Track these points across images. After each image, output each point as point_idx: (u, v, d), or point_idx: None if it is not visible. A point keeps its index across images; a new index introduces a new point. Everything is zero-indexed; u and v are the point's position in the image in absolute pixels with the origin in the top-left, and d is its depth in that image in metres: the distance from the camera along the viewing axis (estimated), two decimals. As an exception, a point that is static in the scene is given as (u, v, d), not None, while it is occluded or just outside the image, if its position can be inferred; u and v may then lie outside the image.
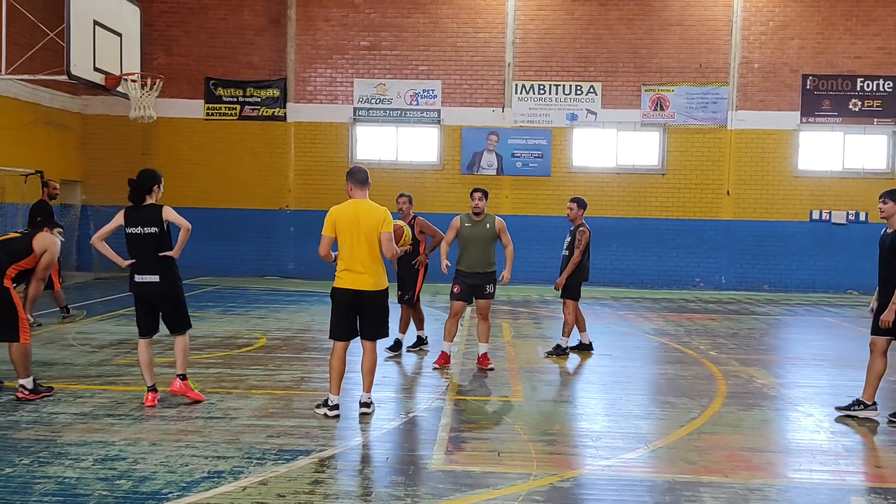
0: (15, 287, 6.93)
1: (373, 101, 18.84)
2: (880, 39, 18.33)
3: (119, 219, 6.73)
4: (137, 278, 6.74)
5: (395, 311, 7.36)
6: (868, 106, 18.40)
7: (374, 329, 6.64)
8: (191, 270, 6.86)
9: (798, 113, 18.52)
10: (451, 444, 5.92)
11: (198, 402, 6.92)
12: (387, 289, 6.66)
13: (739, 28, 18.40)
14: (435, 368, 8.54)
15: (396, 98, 18.79)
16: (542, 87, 18.64)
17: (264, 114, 18.95)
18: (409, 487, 4.98)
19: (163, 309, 6.87)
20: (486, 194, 8.66)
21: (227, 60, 19.03)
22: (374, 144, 19.08)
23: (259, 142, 19.00)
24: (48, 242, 7.13)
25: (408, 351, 9.63)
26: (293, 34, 18.83)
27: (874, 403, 6.93)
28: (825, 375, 9.01)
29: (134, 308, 6.99)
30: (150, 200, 6.78)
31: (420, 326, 9.76)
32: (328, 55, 18.89)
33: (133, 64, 13.55)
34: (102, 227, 6.74)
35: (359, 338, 6.67)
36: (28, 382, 6.85)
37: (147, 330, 6.85)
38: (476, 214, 8.61)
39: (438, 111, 18.79)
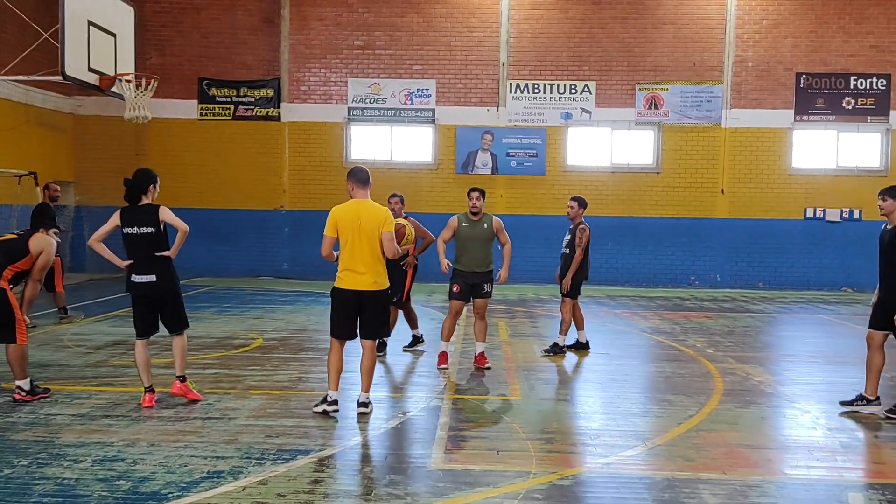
0: (12, 288, 6.91)
1: (367, 100, 18.83)
2: (873, 37, 18.40)
3: (115, 219, 6.70)
4: (135, 278, 6.72)
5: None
6: (861, 104, 18.47)
7: (374, 329, 6.65)
8: (185, 271, 6.87)
9: (792, 111, 18.58)
10: (449, 442, 5.93)
11: (195, 401, 6.92)
12: (388, 289, 6.67)
13: (733, 26, 18.45)
14: (442, 369, 8.51)
15: (391, 97, 18.79)
16: (536, 86, 18.66)
17: (258, 114, 18.92)
18: (409, 486, 4.99)
19: (161, 309, 6.85)
20: (483, 194, 8.66)
21: (221, 60, 18.99)
22: (369, 144, 19.06)
23: (253, 142, 18.97)
24: (44, 243, 7.11)
25: (405, 351, 9.62)
26: (287, 34, 18.80)
27: (877, 398, 6.98)
28: (821, 372, 9.05)
29: (131, 309, 6.98)
30: (146, 200, 6.77)
31: (414, 326, 9.76)
32: (322, 55, 18.87)
33: (127, 64, 13.51)
34: (99, 229, 6.71)
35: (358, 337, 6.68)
36: (25, 384, 6.83)
37: (144, 331, 6.83)
38: (474, 214, 8.61)
39: (433, 111, 18.79)
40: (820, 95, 18.53)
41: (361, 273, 6.47)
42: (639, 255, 18.75)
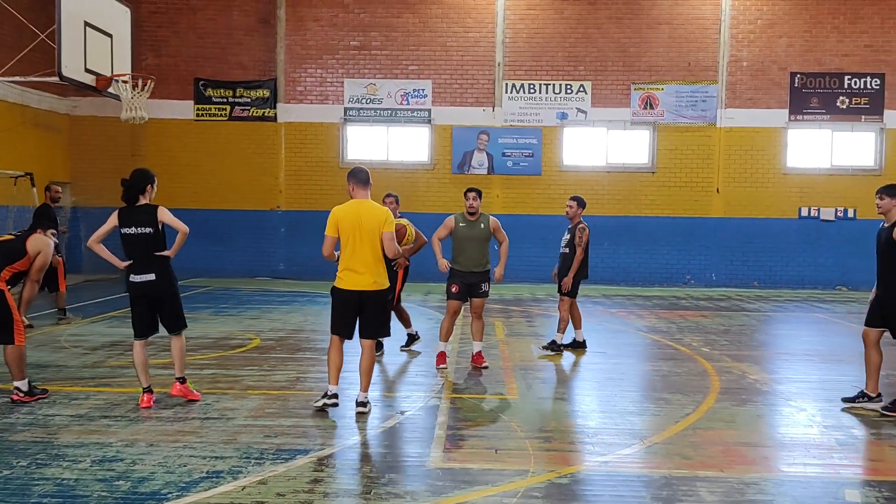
0: (10, 289, 6.91)
1: (363, 101, 18.84)
2: (867, 37, 18.48)
3: (113, 220, 6.70)
4: (133, 278, 6.72)
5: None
6: (856, 103, 18.55)
7: (374, 329, 6.69)
8: (181, 271, 6.87)
9: (786, 111, 18.65)
10: (448, 441, 5.95)
11: (194, 402, 6.93)
12: (387, 289, 6.71)
13: (728, 26, 18.51)
14: (440, 369, 8.53)
15: (387, 98, 18.81)
16: (532, 86, 18.69)
17: (254, 114, 18.93)
18: (408, 485, 5.01)
19: (160, 308, 6.86)
20: (480, 194, 8.68)
21: (217, 61, 18.99)
22: (365, 144, 19.09)
23: (249, 142, 18.97)
24: (41, 244, 7.11)
25: (402, 350, 9.64)
26: (283, 34, 18.81)
27: (879, 395, 7.04)
28: (816, 370, 9.09)
29: (127, 310, 6.98)
30: (143, 200, 6.77)
31: (407, 325, 9.76)
32: (318, 55, 18.88)
33: (124, 65, 13.49)
34: (98, 229, 6.71)
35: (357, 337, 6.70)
36: (23, 385, 6.83)
37: (142, 331, 6.84)
38: (471, 214, 8.63)
39: (429, 111, 18.81)
40: (814, 95, 18.60)
41: (362, 273, 6.51)
42: (634, 254, 18.80)
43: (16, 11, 13.25)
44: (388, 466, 5.40)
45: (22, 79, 12.78)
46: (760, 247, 18.81)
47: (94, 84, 12.69)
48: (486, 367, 8.65)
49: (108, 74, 12.96)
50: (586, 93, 18.70)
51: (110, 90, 13.10)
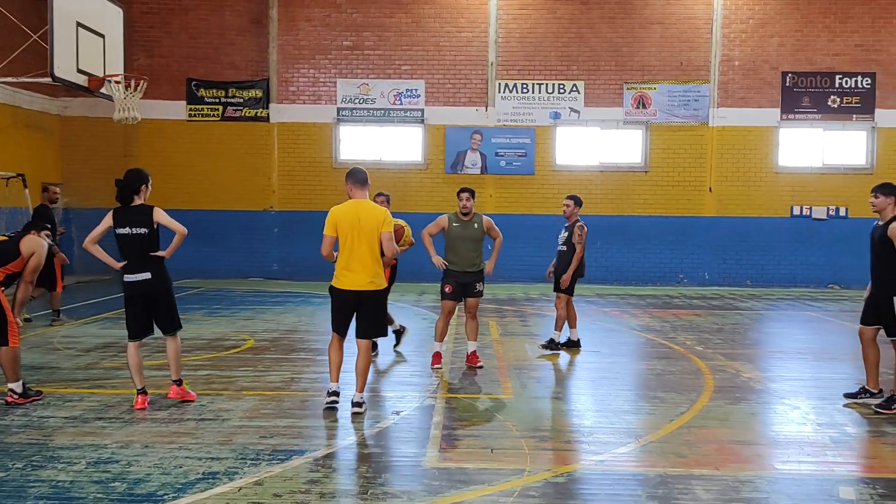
0: (3, 291, 6.88)
1: (356, 101, 18.83)
2: (858, 36, 18.57)
3: (108, 220, 6.69)
4: (128, 278, 6.70)
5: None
6: (847, 102, 18.64)
7: (370, 329, 6.70)
8: (174, 272, 6.81)
9: (778, 110, 18.72)
10: (444, 441, 5.95)
11: (189, 403, 6.92)
12: (385, 289, 6.72)
13: (720, 26, 18.57)
14: (436, 369, 8.54)
15: (380, 98, 18.80)
16: (525, 85, 18.72)
17: (247, 114, 18.89)
18: (404, 485, 5.01)
19: (155, 308, 6.84)
20: (473, 194, 8.68)
21: (209, 61, 18.95)
22: (358, 144, 19.07)
23: (242, 143, 18.94)
24: (35, 245, 7.09)
25: (394, 350, 9.63)
26: (275, 34, 18.78)
27: (880, 391, 7.12)
28: (809, 368, 9.13)
29: (119, 311, 6.97)
30: (138, 201, 6.75)
31: (391, 322, 9.54)
32: (311, 55, 18.86)
33: (116, 65, 13.46)
34: (93, 230, 6.70)
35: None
36: (17, 386, 6.81)
37: (137, 332, 6.81)
38: (464, 214, 8.63)
39: (422, 111, 18.81)
40: (806, 94, 18.68)
41: (358, 273, 6.54)
42: (628, 253, 18.84)
43: (7, 12, 13.20)
44: (384, 466, 5.40)
45: (14, 79, 12.74)
46: (753, 245, 18.88)
47: (86, 84, 12.66)
48: (480, 367, 8.66)
49: (101, 75, 12.93)
50: (579, 92, 18.73)
51: (103, 90, 13.07)
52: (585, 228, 9.63)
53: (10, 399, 6.78)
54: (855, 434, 6.35)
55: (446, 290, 8.64)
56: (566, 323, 9.89)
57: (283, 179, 19.01)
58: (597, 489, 5.02)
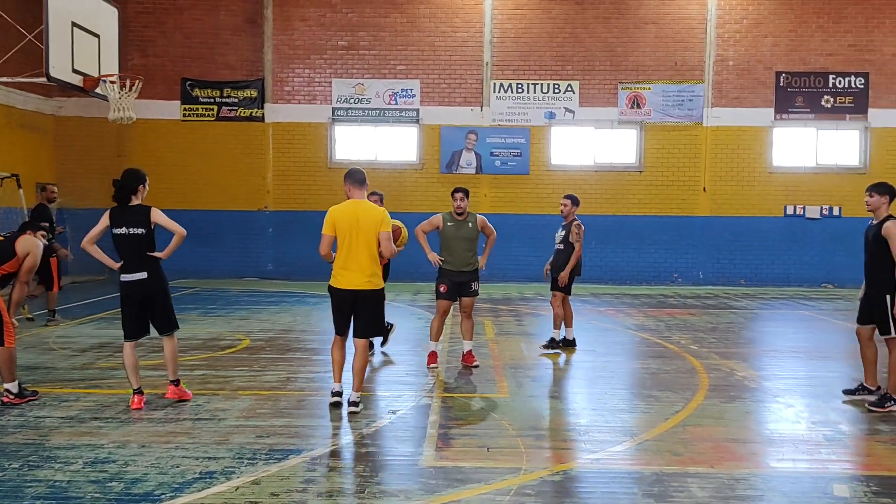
0: (-1, 291, 6.89)
1: (351, 100, 18.83)
2: (851, 36, 18.65)
3: (105, 220, 6.69)
4: (125, 277, 6.70)
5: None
6: (840, 102, 18.72)
7: (367, 328, 6.73)
8: (168, 272, 6.82)
9: (772, 109, 18.79)
10: (440, 440, 5.97)
11: (185, 402, 6.93)
12: (382, 289, 6.75)
13: (714, 26, 18.63)
14: (431, 368, 8.56)
15: (375, 98, 18.81)
16: (520, 85, 18.74)
17: (242, 114, 18.88)
18: (401, 484, 5.03)
19: (151, 308, 6.84)
20: (467, 193, 8.69)
21: (204, 61, 18.93)
22: (353, 144, 19.08)
23: (237, 143, 18.92)
24: (30, 245, 7.09)
25: (381, 349, 9.58)
26: (270, 34, 18.77)
27: (878, 388, 7.18)
28: (803, 367, 9.16)
29: (115, 311, 6.97)
30: (135, 201, 6.75)
31: None
32: (306, 55, 18.86)
33: (111, 65, 13.43)
34: (91, 230, 6.69)
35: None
36: (13, 387, 6.81)
37: (133, 333, 6.81)
38: (459, 214, 8.65)
39: (417, 110, 18.83)
40: (799, 94, 18.75)
41: (356, 272, 6.57)
42: (622, 253, 18.89)
43: (2, 12, 13.16)
44: (380, 465, 5.42)
45: (9, 80, 12.69)
46: (747, 245, 18.95)
47: (81, 85, 12.63)
48: (476, 366, 8.68)
49: (96, 75, 12.90)
50: (574, 92, 18.77)
51: (98, 91, 13.04)
52: (583, 227, 9.69)
53: (6, 399, 6.78)
54: (849, 432, 6.38)
55: (441, 289, 8.66)
56: (553, 322, 9.93)
57: (278, 179, 19.00)
58: (593, 487, 5.04)
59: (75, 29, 12.33)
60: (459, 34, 18.76)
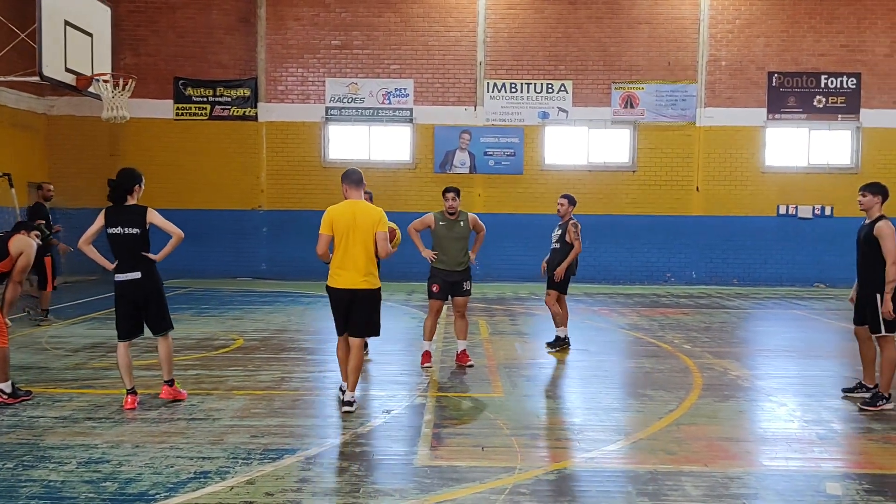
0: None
1: (345, 100, 18.82)
2: (843, 37, 18.73)
3: (100, 219, 6.67)
4: (119, 277, 6.69)
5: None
6: (832, 102, 18.79)
7: (363, 327, 6.73)
8: (161, 272, 6.80)
9: (764, 110, 18.85)
10: (434, 439, 5.97)
11: (179, 402, 6.92)
12: (379, 288, 6.76)
13: (707, 26, 18.68)
14: (426, 367, 8.56)
15: (369, 97, 18.80)
16: (513, 85, 18.76)
17: (235, 113, 18.84)
18: (396, 483, 5.03)
19: (146, 307, 6.82)
20: (458, 193, 8.71)
21: (197, 60, 18.88)
22: (347, 144, 19.07)
23: (230, 142, 18.88)
24: (24, 245, 7.05)
25: None
26: (263, 33, 18.74)
27: (875, 386, 7.20)
28: (796, 366, 9.21)
29: (107, 311, 6.96)
30: (131, 200, 6.74)
31: None
32: (299, 54, 18.84)
33: (104, 64, 13.41)
34: (87, 230, 6.68)
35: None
36: (6, 386, 6.79)
37: (127, 333, 6.79)
38: (450, 214, 8.66)
39: (411, 110, 18.83)
40: (792, 94, 18.82)
41: (353, 272, 6.59)
42: (616, 252, 18.92)
43: (-6, 11, 13.14)
44: (375, 465, 5.42)
45: (1, 78, 12.65)
46: (739, 245, 19.01)
47: (74, 84, 12.60)
48: (471, 366, 8.69)
49: (89, 74, 12.87)
50: (567, 92, 18.80)
51: (91, 90, 13.01)
52: (579, 225, 9.72)
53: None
54: (841, 431, 6.42)
55: (433, 289, 8.68)
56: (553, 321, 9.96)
57: (272, 179, 18.98)
58: (587, 486, 5.06)
59: (68, 28, 12.31)
60: (453, 34, 18.77)
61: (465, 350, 8.85)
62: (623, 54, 18.80)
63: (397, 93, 18.79)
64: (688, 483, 5.07)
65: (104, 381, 7.79)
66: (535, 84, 18.77)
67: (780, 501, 4.82)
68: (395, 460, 5.51)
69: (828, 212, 18.83)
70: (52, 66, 11.82)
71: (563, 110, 18.81)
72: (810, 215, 18.91)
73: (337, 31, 18.79)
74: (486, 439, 5.98)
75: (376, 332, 6.85)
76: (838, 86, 18.77)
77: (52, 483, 4.94)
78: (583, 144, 19.02)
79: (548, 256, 9.95)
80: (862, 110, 18.78)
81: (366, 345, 9.17)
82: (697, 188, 18.96)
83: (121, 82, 13.22)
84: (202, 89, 18.79)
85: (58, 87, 13.23)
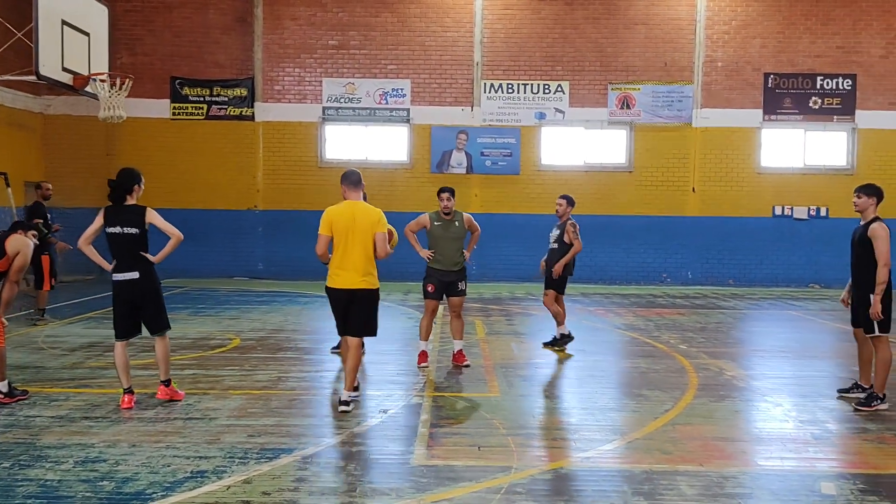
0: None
1: (342, 100, 18.82)
2: (839, 38, 18.78)
3: (100, 219, 6.68)
4: (117, 277, 6.69)
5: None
6: (828, 104, 18.85)
7: (360, 327, 6.75)
8: (158, 272, 6.81)
9: (760, 111, 18.90)
10: (431, 439, 5.99)
11: (176, 402, 6.92)
12: (378, 289, 6.79)
13: (703, 27, 18.72)
14: (422, 367, 8.58)
15: (365, 97, 18.80)
16: (510, 86, 18.78)
17: (232, 113, 18.83)
18: (392, 482, 5.04)
19: (143, 307, 6.83)
20: (453, 193, 8.74)
21: (193, 59, 18.87)
22: (344, 144, 19.07)
23: (227, 141, 18.88)
24: (20, 245, 7.04)
25: (332, 352, 9.41)
26: (260, 33, 18.74)
27: (871, 386, 7.22)
28: (791, 367, 9.24)
29: (104, 311, 6.97)
30: (130, 200, 6.75)
31: None
32: (296, 54, 18.83)
33: (101, 64, 13.39)
34: (86, 230, 6.69)
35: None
36: (3, 386, 6.78)
37: (124, 332, 6.80)
38: (446, 214, 8.68)
39: (408, 110, 18.84)
40: (787, 95, 18.86)
41: (351, 272, 6.63)
42: (612, 253, 18.94)
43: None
44: (372, 464, 5.43)
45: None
46: (735, 245, 19.05)
47: (71, 83, 12.59)
48: (467, 366, 8.71)
49: (86, 73, 12.85)
50: (564, 93, 18.82)
51: (87, 89, 13.00)
52: (578, 225, 9.76)
53: (-5, 398, 6.76)
54: (836, 431, 6.44)
55: (429, 289, 8.70)
56: (554, 321, 9.98)
57: (268, 178, 18.97)
58: (583, 485, 5.08)
59: (65, 27, 12.30)
60: (450, 34, 18.78)
61: (461, 350, 8.87)
62: (619, 55, 18.83)
63: (394, 93, 18.80)
64: (683, 482, 5.10)
65: (101, 381, 7.79)
66: (531, 85, 18.80)
67: (775, 501, 4.84)
68: (391, 460, 5.52)
69: (823, 213, 18.89)
70: (49, 66, 11.81)
71: (560, 111, 18.83)
72: (806, 216, 18.96)
73: (334, 31, 18.80)
74: (482, 439, 6.00)
75: (373, 333, 6.86)
76: (834, 87, 18.82)
77: (48, 482, 4.94)
78: (579, 145, 19.05)
79: (546, 256, 9.98)
80: (857, 112, 18.83)
81: (362, 345, 9.23)
82: (693, 189, 19.00)
83: (117, 82, 13.21)
84: (199, 89, 18.78)
85: (54, 87, 13.21)
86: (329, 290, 6.78)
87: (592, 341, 10.79)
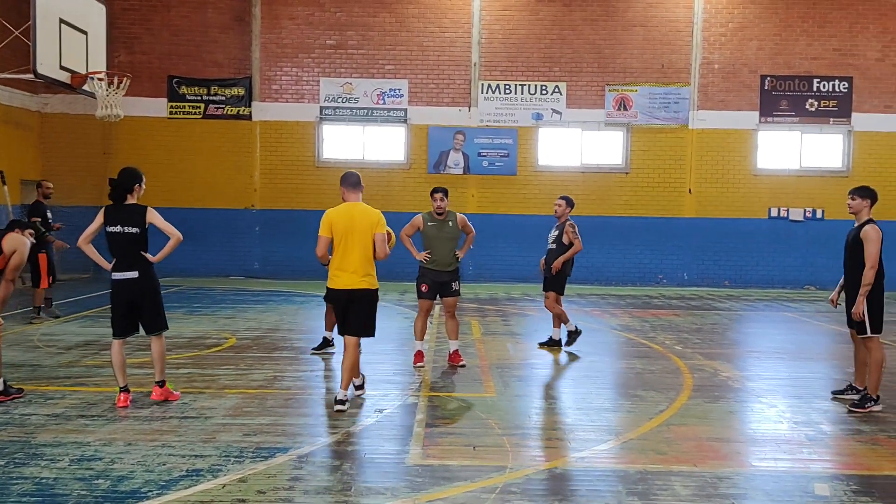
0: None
1: (339, 100, 18.83)
2: (836, 41, 18.83)
3: (100, 218, 6.70)
4: (116, 276, 6.70)
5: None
6: (824, 106, 18.89)
7: (358, 327, 6.78)
8: (156, 271, 6.85)
9: (757, 113, 18.93)
10: (426, 439, 6.00)
11: (173, 400, 6.92)
12: (377, 289, 6.82)
13: (700, 29, 18.76)
14: (418, 367, 8.58)
15: (363, 97, 18.81)
16: (507, 86, 18.80)
17: (229, 112, 18.82)
18: (388, 482, 5.06)
19: (141, 307, 6.83)
20: (446, 193, 8.75)
21: (191, 58, 18.85)
22: (341, 143, 19.06)
23: (224, 141, 18.86)
24: (17, 243, 7.04)
25: (312, 353, 9.39)
26: (258, 32, 18.73)
27: (865, 388, 7.26)
28: (786, 368, 9.27)
29: (101, 309, 6.97)
30: (131, 200, 6.76)
31: (328, 328, 9.40)
32: (294, 54, 18.83)
33: (99, 62, 13.40)
34: (86, 229, 6.70)
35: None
36: (-2, 384, 6.79)
37: (122, 331, 6.81)
38: (439, 214, 8.70)
39: (405, 110, 18.84)
40: (784, 97, 18.91)
41: (351, 273, 6.67)
42: (608, 254, 18.96)
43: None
44: (367, 464, 5.44)
45: (-3, 76, 12.65)
46: (731, 247, 19.09)
47: (69, 82, 12.58)
48: (463, 366, 8.72)
49: (84, 72, 12.85)
50: (561, 94, 18.85)
51: (85, 87, 12.99)
52: (576, 226, 9.79)
53: (-9, 396, 6.76)
54: (830, 432, 6.47)
55: (422, 289, 8.72)
56: (551, 321, 10.01)
57: (265, 178, 18.96)
58: (578, 485, 5.09)
59: (63, 25, 12.29)
60: (448, 34, 18.79)
61: (457, 350, 8.88)
62: (617, 56, 18.86)
63: (392, 93, 18.80)
64: (677, 483, 5.12)
65: (97, 379, 7.79)
66: (529, 85, 18.82)
67: (769, 502, 4.86)
68: (386, 459, 5.54)
69: (819, 215, 18.93)
70: (47, 64, 11.80)
71: (557, 112, 18.85)
72: (801, 218, 19.00)
73: (332, 30, 18.80)
74: (477, 439, 6.02)
75: (371, 333, 6.88)
76: (830, 89, 18.87)
77: (44, 480, 4.95)
78: (576, 146, 19.07)
79: (545, 256, 10.01)
80: (853, 114, 18.88)
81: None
82: (690, 190, 19.03)
83: (115, 80, 13.20)
84: (196, 88, 18.77)
85: (52, 85, 13.20)
86: (329, 291, 6.86)
87: (588, 342, 10.78)
